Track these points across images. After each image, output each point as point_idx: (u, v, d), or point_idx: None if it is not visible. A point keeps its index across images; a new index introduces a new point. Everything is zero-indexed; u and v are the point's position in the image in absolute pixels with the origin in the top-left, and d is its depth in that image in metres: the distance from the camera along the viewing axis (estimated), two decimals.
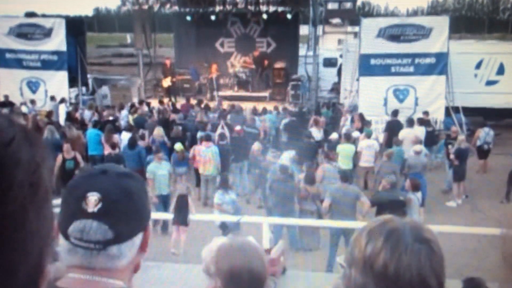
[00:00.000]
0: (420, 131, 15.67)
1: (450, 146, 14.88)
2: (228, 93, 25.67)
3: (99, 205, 1.41)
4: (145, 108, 19.74)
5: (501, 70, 21.73)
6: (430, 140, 16.50)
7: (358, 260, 1.45)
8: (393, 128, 16.04)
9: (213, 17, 26.63)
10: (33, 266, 0.93)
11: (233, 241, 2.56)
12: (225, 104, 21.82)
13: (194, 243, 9.52)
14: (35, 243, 0.92)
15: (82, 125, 17.13)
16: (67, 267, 1.45)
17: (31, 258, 0.92)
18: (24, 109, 19.76)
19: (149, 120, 17.19)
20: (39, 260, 0.95)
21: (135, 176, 1.57)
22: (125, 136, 14.80)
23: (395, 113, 17.07)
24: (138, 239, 1.50)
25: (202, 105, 20.47)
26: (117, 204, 1.43)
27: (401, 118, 16.61)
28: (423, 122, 16.70)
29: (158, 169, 11.93)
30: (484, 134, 16.32)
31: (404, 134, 14.92)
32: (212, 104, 22.23)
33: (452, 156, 14.29)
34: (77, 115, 18.97)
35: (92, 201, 1.41)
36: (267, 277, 2.46)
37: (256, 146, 13.80)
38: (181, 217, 9.52)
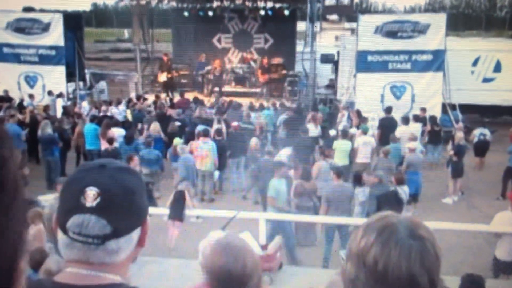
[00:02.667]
0: (415, 128, 15.69)
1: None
2: (226, 89, 25.66)
3: (98, 200, 1.41)
4: (147, 102, 19.73)
5: (497, 68, 21.79)
6: (436, 138, 16.58)
7: (353, 254, 1.46)
8: (386, 125, 16.03)
9: (210, 13, 26.62)
10: (5, 265, 0.91)
11: (220, 240, 2.58)
12: (222, 100, 21.87)
13: (190, 238, 9.55)
14: (5, 241, 0.90)
15: (79, 120, 17.14)
16: (65, 262, 1.46)
17: (2, 256, 0.90)
18: (24, 103, 19.77)
19: (147, 115, 17.17)
20: (12, 258, 0.93)
21: (133, 171, 1.58)
22: (116, 132, 14.75)
23: (389, 110, 17.02)
24: (136, 234, 1.50)
25: (197, 102, 20.49)
26: (115, 199, 1.44)
27: (398, 114, 16.59)
28: (419, 119, 16.73)
29: (281, 186, 10.54)
30: (480, 131, 16.44)
31: (401, 131, 14.94)
32: (211, 100, 22.32)
33: (451, 152, 14.35)
34: (76, 109, 18.98)
35: (91, 195, 1.41)
36: (253, 276, 2.47)
37: (253, 142, 13.83)
38: (177, 212, 9.50)
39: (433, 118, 17.05)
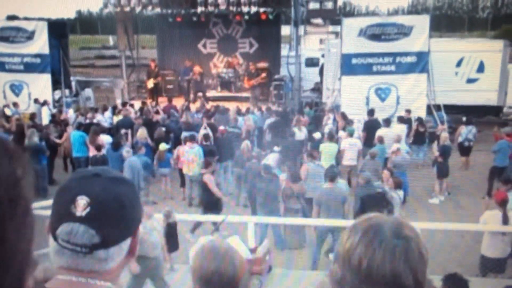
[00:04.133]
0: (400, 129, 15.79)
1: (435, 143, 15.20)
2: (212, 93, 25.68)
3: (88, 209, 1.40)
4: (131, 109, 19.66)
5: (481, 68, 21.97)
6: (420, 139, 16.68)
7: (339, 255, 1.49)
8: (371, 127, 16.14)
9: (195, 18, 26.59)
10: (13, 280, 0.93)
11: (207, 245, 2.60)
12: (209, 105, 21.91)
13: (180, 242, 9.54)
14: (15, 258, 0.93)
15: (66, 127, 17.09)
16: (56, 268, 1.46)
17: (11, 272, 0.92)
18: (7, 111, 19.64)
19: (136, 122, 17.10)
20: (20, 274, 0.95)
21: (127, 181, 1.57)
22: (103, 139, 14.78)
23: (372, 112, 17.16)
24: (125, 244, 1.50)
25: (184, 107, 20.50)
26: (106, 209, 1.43)
27: (383, 117, 16.69)
28: (404, 120, 16.85)
29: None
30: (466, 131, 16.56)
31: (382, 133, 15.02)
32: (196, 105, 22.31)
33: (436, 153, 14.47)
34: (64, 115, 18.90)
35: (81, 205, 1.41)
36: (241, 279, 2.49)
37: (244, 145, 13.85)
38: (174, 245, 9.35)
39: (419, 119, 17.18)
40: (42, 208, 1.46)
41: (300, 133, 16.12)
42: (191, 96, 25.10)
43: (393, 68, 18.83)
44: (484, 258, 8.96)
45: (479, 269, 9.07)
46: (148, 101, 23.23)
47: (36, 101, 20.89)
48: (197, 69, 25.28)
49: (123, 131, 16.34)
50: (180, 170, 14.07)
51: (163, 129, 16.07)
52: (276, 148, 14.03)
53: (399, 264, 1.38)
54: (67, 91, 23.65)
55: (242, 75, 26.11)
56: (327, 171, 10.72)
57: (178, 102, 22.74)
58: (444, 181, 14.40)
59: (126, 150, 13.32)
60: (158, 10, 27.07)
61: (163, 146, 14.09)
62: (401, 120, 16.76)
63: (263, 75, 24.74)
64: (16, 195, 0.92)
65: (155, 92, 25.10)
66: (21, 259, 0.95)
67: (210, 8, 25.39)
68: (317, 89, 26.35)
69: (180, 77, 26.33)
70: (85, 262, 1.43)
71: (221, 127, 15.65)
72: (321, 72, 25.43)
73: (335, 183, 10.18)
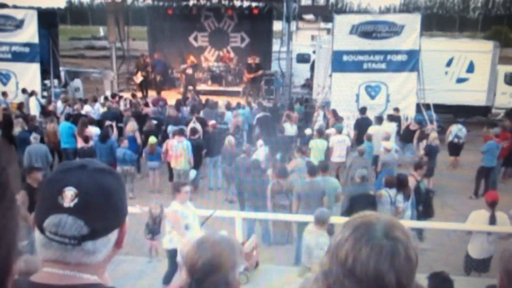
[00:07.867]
0: (390, 127, 15.79)
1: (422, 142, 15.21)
2: (202, 87, 25.59)
3: (76, 200, 1.41)
4: (117, 101, 19.57)
5: (471, 68, 22.05)
6: (408, 137, 16.69)
7: (330, 247, 1.51)
8: (362, 125, 16.14)
9: (186, 11, 26.52)
10: (0, 266, 0.93)
11: (198, 236, 2.63)
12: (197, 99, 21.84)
13: None
14: (2, 243, 0.92)
15: (57, 118, 16.96)
16: (42, 261, 1.45)
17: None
18: None
19: (125, 114, 16.98)
20: (6, 260, 0.95)
21: (113, 173, 1.57)
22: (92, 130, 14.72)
23: (364, 110, 17.15)
24: (113, 235, 1.50)
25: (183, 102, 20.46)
26: (93, 200, 1.43)
27: (373, 114, 16.69)
28: (394, 118, 16.85)
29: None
30: (457, 129, 16.61)
31: (373, 131, 15.03)
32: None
33: (422, 152, 14.49)
34: (51, 107, 18.74)
35: (69, 196, 1.41)
36: (226, 269, 2.50)
37: (228, 140, 13.82)
38: (154, 232, 9.29)
39: (413, 118, 17.21)
40: None
41: (291, 129, 16.12)
42: (181, 89, 25.02)
43: (383, 66, 18.86)
44: (468, 257, 9.00)
45: (463, 268, 9.11)
46: (138, 94, 23.12)
47: (24, 91, 20.71)
48: (190, 60, 25.16)
49: (107, 122, 16.25)
50: (169, 164, 14.01)
51: (154, 122, 16.00)
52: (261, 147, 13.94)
53: (384, 265, 1.39)
54: (56, 82, 23.46)
55: (234, 69, 26.09)
56: (308, 166, 10.70)
57: (169, 95, 22.66)
58: (430, 180, 14.42)
59: (33, 137, 13.33)
60: (149, 1, 27.00)
61: (152, 140, 14.03)
62: (391, 118, 16.77)
63: (262, 71, 24.69)
64: (2, 182, 0.92)
65: (144, 85, 24.97)
66: (8, 245, 0.94)
67: (202, 1, 25.34)
68: (308, 85, 26.37)
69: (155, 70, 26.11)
70: (73, 255, 1.42)
71: (212, 122, 15.58)
72: (312, 69, 25.46)
73: (315, 177, 10.17)
